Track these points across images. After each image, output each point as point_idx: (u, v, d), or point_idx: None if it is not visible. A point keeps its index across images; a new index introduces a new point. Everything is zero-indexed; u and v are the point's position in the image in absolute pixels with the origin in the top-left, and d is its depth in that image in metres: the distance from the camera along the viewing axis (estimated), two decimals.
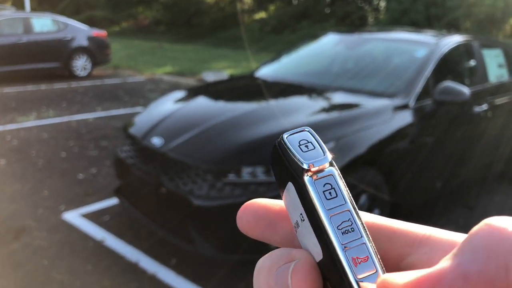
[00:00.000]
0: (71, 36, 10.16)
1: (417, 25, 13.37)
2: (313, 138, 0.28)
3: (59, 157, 4.85)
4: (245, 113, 3.12)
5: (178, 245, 2.79)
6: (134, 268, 2.82)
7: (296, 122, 2.83)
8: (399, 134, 3.07)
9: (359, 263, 0.26)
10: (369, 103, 3.18)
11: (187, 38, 19.88)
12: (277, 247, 0.29)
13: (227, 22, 20.47)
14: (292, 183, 0.28)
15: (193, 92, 3.92)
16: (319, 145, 0.28)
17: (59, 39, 10.04)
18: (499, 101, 3.94)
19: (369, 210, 2.92)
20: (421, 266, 0.24)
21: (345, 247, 0.26)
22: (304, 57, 4.37)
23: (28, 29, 9.74)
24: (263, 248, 2.71)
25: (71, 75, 10.15)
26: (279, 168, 0.29)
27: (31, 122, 6.25)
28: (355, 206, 0.27)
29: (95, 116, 6.75)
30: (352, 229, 0.26)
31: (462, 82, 3.66)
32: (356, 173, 2.76)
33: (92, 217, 3.47)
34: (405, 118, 3.12)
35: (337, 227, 0.26)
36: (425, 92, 3.25)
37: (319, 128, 2.82)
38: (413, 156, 3.14)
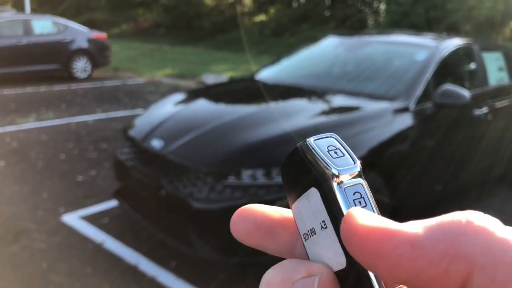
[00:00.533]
0: (71, 38, 10.17)
1: (417, 28, 13.39)
2: (341, 145, 0.28)
3: (59, 159, 4.85)
4: (245, 116, 3.12)
5: (178, 248, 2.79)
6: (133, 271, 2.81)
7: (296, 124, 2.83)
8: (399, 137, 3.07)
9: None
10: (369, 106, 3.17)
11: (187, 41, 19.90)
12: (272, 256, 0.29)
13: (227, 25, 20.50)
14: (317, 188, 0.27)
15: (193, 95, 3.91)
16: (348, 152, 0.27)
17: (59, 41, 10.05)
18: (499, 104, 3.94)
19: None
20: None
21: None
22: (304, 60, 4.37)
23: (28, 31, 9.75)
24: (262, 251, 2.71)
25: (71, 77, 10.15)
26: (298, 172, 0.28)
27: (30, 124, 6.24)
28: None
29: (95, 118, 6.75)
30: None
31: (462, 85, 3.66)
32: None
33: (91, 219, 3.46)
34: (405, 121, 3.12)
35: None
36: (425, 95, 3.25)
37: (319, 130, 2.81)
38: (413, 159, 3.14)
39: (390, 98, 3.22)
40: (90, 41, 10.40)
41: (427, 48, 3.70)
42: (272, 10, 21.95)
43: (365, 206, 0.26)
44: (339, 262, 0.26)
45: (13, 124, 6.19)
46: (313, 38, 4.79)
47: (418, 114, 3.19)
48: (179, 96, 3.78)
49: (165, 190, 2.72)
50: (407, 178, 3.10)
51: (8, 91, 8.63)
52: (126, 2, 23.87)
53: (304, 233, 0.28)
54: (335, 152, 0.27)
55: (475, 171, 3.91)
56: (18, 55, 9.44)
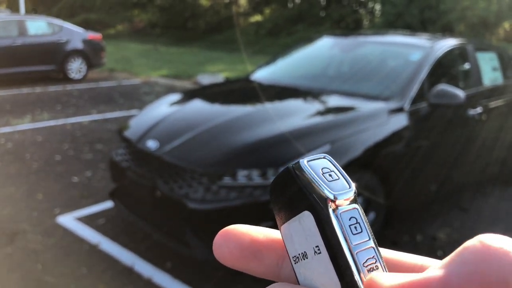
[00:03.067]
0: (66, 38, 10.13)
1: (411, 28, 13.44)
2: (335, 167, 0.27)
3: (54, 160, 4.83)
4: (241, 116, 3.12)
5: (174, 248, 2.79)
6: (129, 272, 2.81)
7: (291, 125, 2.84)
8: (394, 137, 3.09)
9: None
10: (364, 106, 3.19)
11: (183, 41, 19.88)
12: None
13: (223, 25, 20.50)
14: (311, 212, 0.26)
15: (188, 95, 3.91)
16: (342, 175, 0.27)
17: (54, 41, 10.01)
18: (493, 104, 3.96)
19: (364, 213, 2.92)
20: None
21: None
22: (299, 60, 4.38)
23: (22, 31, 9.71)
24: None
25: (66, 78, 10.12)
26: (290, 194, 0.27)
27: (25, 125, 6.22)
28: (376, 242, 0.26)
29: (90, 119, 6.73)
30: (377, 267, 0.25)
31: (456, 85, 3.69)
32: (351, 176, 2.75)
33: (87, 220, 3.45)
34: (400, 121, 3.14)
35: (363, 264, 0.25)
36: (420, 95, 3.26)
37: (314, 131, 2.83)
38: (408, 159, 3.15)
39: (385, 98, 3.24)
40: (85, 41, 10.37)
41: (421, 48, 3.71)
42: (267, 11, 21.97)
43: (361, 231, 0.25)
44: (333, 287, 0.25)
45: (8, 125, 6.16)
46: (308, 39, 4.80)
47: (413, 114, 3.21)
48: (175, 97, 3.78)
49: (160, 190, 2.72)
50: (402, 178, 3.11)
51: (3, 92, 8.59)
52: (121, 3, 23.81)
53: (294, 256, 0.27)
54: (330, 175, 0.26)
55: (470, 171, 3.93)
56: (13, 56, 9.40)
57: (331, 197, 0.25)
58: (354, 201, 0.26)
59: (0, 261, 2.90)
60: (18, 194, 3.91)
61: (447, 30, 13.28)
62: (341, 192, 0.26)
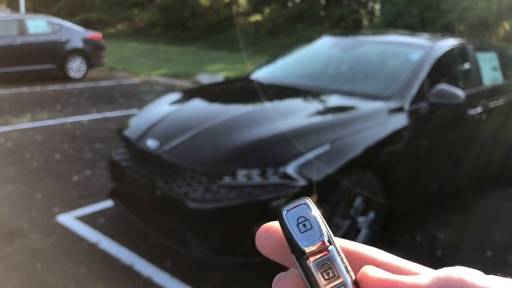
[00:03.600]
0: (66, 38, 10.12)
1: (411, 28, 13.44)
2: (310, 214, 0.29)
3: (54, 159, 4.83)
4: (241, 116, 3.12)
5: (173, 248, 2.78)
6: (128, 271, 2.81)
7: (291, 124, 2.83)
8: (394, 136, 3.08)
9: None
10: (364, 106, 3.18)
11: (183, 41, 19.87)
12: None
13: (223, 25, 20.49)
14: (294, 257, 0.29)
15: (188, 95, 3.91)
16: (317, 222, 0.29)
17: (54, 40, 10.00)
18: (493, 104, 3.96)
19: (364, 212, 2.92)
20: None
21: None
22: (299, 60, 4.38)
23: (22, 30, 9.70)
24: (258, 251, 2.72)
25: (65, 77, 10.11)
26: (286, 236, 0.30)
27: (25, 124, 6.21)
28: (353, 277, 0.29)
29: (90, 118, 6.72)
30: None
31: (456, 85, 3.68)
32: (351, 175, 2.76)
33: (86, 219, 3.45)
34: (400, 120, 3.13)
35: None
36: (420, 95, 3.26)
37: (314, 130, 2.82)
38: (408, 159, 3.15)
39: (385, 98, 3.23)
40: (85, 41, 10.36)
41: (421, 48, 3.71)
42: (267, 10, 21.96)
43: (334, 275, 0.28)
44: None
45: (7, 125, 6.16)
46: (308, 38, 4.80)
47: (413, 114, 3.20)
48: (174, 96, 3.77)
49: (160, 190, 2.72)
50: (402, 178, 3.11)
51: (2, 91, 8.58)
52: (121, 2, 23.79)
53: None
54: (304, 225, 0.29)
55: (470, 171, 3.93)
56: (13, 55, 9.39)
57: (303, 249, 0.28)
58: (326, 246, 0.28)
59: (0, 260, 2.89)
60: (18, 193, 3.91)
61: (447, 30, 13.28)
62: (311, 243, 0.28)
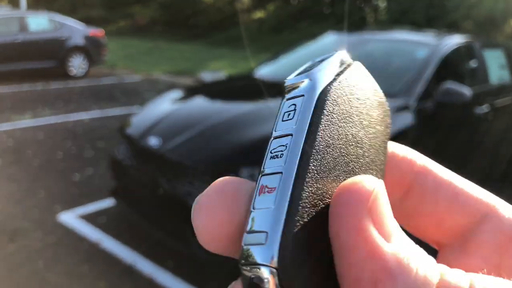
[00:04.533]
0: (68, 35, 10.10)
1: (417, 25, 13.37)
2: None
3: (55, 157, 4.80)
4: (244, 113, 3.08)
5: (175, 247, 2.75)
6: (130, 270, 2.78)
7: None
8: (400, 135, 3.04)
9: (263, 192, 0.21)
10: None
11: (185, 38, 19.84)
12: None
13: (225, 22, 20.44)
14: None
15: (190, 92, 3.87)
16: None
17: (55, 38, 9.97)
18: (500, 102, 3.92)
19: None
20: (486, 248, 0.22)
21: (263, 171, 0.22)
22: (303, 57, 4.33)
23: (23, 28, 9.68)
24: None
25: (67, 75, 10.08)
26: None
27: (27, 122, 6.19)
28: (315, 135, 0.21)
29: (92, 116, 6.70)
30: (281, 155, 0.21)
31: (463, 83, 3.64)
32: None
33: (88, 218, 3.42)
34: (406, 119, 3.09)
35: (270, 151, 0.22)
36: (426, 93, 3.22)
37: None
38: None
39: (391, 96, 3.19)
40: (87, 38, 10.33)
41: (428, 45, 3.67)
42: (271, 7, 21.90)
43: (291, 118, 0.22)
44: None
45: (9, 122, 6.13)
46: (313, 35, 4.75)
47: (419, 112, 3.16)
48: (177, 94, 3.74)
49: (162, 188, 2.68)
50: None
51: (4, 89, 8.57)
52: None
53: None
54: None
55: (476, 170, 3.88)
56: (14, 53, 9.37)
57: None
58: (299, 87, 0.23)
59: (2, 259, 2.87)
60: (19, 192, 3.88)
61: (453, 28, 13.21)
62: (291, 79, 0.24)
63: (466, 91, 3.16)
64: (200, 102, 3.55)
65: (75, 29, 10.30)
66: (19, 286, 2.63)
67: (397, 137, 3.02)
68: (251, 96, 3.59)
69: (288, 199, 0.20)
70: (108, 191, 3.44)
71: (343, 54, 0.25)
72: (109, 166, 3.42)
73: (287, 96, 0.24)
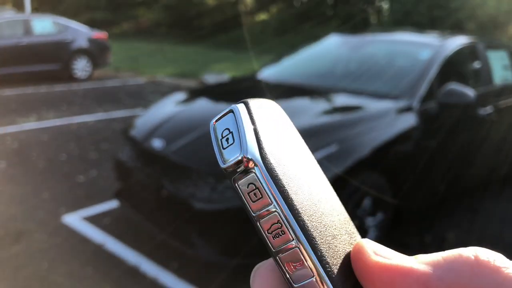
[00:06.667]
0: (72, 38, 10.14)
1: (420, 27, 13.34)
2: (237, 125, 0.25)
3: (60, 159, 4.82)
4: None
5: (180, 248, 2.76)
6: (134, 272, 2.79)
7: (299, 124, 2.79)
8: (403, 136, 3.04)
9: (295, 269, 0.24)
10: (373, 105, 3.14)
11: (188, 40, 19.87)
12: None
13: (228, 24, 20.45)
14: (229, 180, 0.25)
15: (194, 94, 3.88)
16: (240, 136, 0.24)
17: (60, 41, 10.02)
18: (504, 103, 3.90)
19: (373, 213, 2.88)
20: None
21: (279, 252, 0.24)
22: (306, 59, 4.34)
23: (28, 31, 9.73)
24: (265, 252, 2.67)
25: (71, 77, 10.13)
26: None
27: (31, 124, 6.22)
28: (285, 203, 0.24)
29: (96, 119, 6.72)
30: (283, 232, 0.24)
31: (466, 84, 3.63)
32: (359, 176, 2.72)
33: (92, 220, 3.44)
34: (409, 120, 3.09)
35: (267, 230, 0.24)
36: (429, 94, 3.21)
37: (321, 130, 2.79)
38: (417, 158, 3.10)
39: (394, 97, 3.19)
40: (91, 41, 10.37)
41: (431, 46, 3.66)
42: (274, 9, 21.91)
43: (261, 197, 0.24)
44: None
45: (14, 125, 6.17)
46: (316, 37, 4.76)
47: (422, 114, 3.16)
48: (180, 96, 3.75)
49: (166, 190, 2.69)
50: (410, 178, 3.06)
51: (8, 92, 8.61)
52: (127, 2, 23.84)
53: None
54: (227, 140, 0.25)
55: (480, 171, 3.87)
56: (19, 55, 9.42)
57: (223, 167, 0.24)
58: (252, 164, 0.24)
59: (6, 260, 2.88)
60: (24, 194, 3.90)
61: (456, 29, 13.17)
62: (230, 161, 0.24)
63: (470, 92, 3.16)
64: (203, 104, 3.56)
65: (79, 32, 10.34)
66: (23, 286, 2.64)
67: (400, 138, 3.02)
68: (255, 97, 3.59)
69: (319, 265, 0.24)
70: (112, 192, 3.45)
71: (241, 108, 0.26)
72: (113, 168, 3.44)
73: (235, 177, 0.25)
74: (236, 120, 0.25)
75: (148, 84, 10.23)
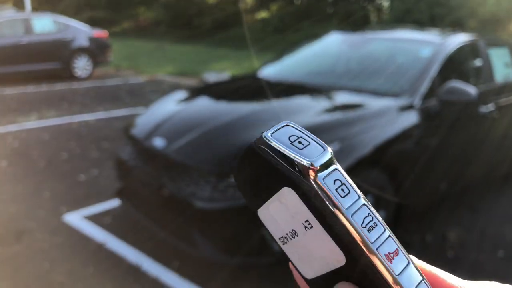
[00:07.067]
0: (72, 36, 10.13)
1: (420, 24, 13.31)
2: (302, 133, 0.25)
3: (60, 158, 4.82)
4: (248, 114, 3.08)
5: (181, 247, 2.76)
6: (136, 271, 2.79)
7: (300, 122, 2.77)
8: (404, 134, 3.03)
9: (393, 258, 0.24)
10: (374, 103, 3.13)
11: (188, 39, 19.85)
12: None
13: (229, 22, 20.43)
14: (291, 187, 0.24)
15: (195, 93, 3.88)
16: (313, 139, 0.25)
17: (60, 39, 10.01)
18: (505, 101, 3.89)
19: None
20: None
21: (376, 244, 0.24)
22: (307, 57, 4.33)
23: (28, 30, 9.72)
24: (266, 251, 2.66)
25: (72, 76, 10.12)
26: (260, 173, 0.25)
27: (32, 123, 6.22)
28: (366, 198, 0.25)
29: (96, 117, 6.72)
30: (375, 224, 0.24)
31: (468, 81, 3.62)
32: (361, 173, 2.72)
33: (93, 219, 3.44)
34: (410, 118, 3.08)
35: (361, 225, 0.24)
36: (431, 92, 3.20)
37: (323, 128, 2.78)
38: (418, 156, 3.10)
39: (395, 95, 3.18)
40: (91, 39, 10.36)
41: (432, 44, 3.65)
42: (274, 7, 21.88)
43: (349, 192, 0.24)
44: (337, 259, 0.24)
45: (14, 124, 6.17)
46: (316, 35, 4.75)
47: (423, 111, 3.15)
48: (181, 94, 3.74)
49: (167, 189, 2.69)
50: (411, 176, 3.06)
51: (9, 91, 8.61)
52: (127, 0, 23.82)
53: (282, 237, 0.26)
54: (300, 142, 0.25)
55: (481, 170, 3.87)
56: (19, 54, 9.41)
57: (308, 164, 0.23)
58: (332, 162, 0.24)
59: (8, 260, 2.88)
60: (25, 193, 3.90)
61: (457, 26, 13.14)
62: (317, 157, 0.24)
63: (471, 90, 3.15)
64: (204, 103, 3.55)
65: (80, 31, 10.33)
66: (25, 285, 2.64)
67: (401, 136, 3.01)
68: (255, 96, 3.59)
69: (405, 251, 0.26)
70: (113, 191, 3.45)
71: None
72: (114, 166, 3.43)
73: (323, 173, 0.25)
74: (297, 129, 0.26)
75: (149, 83, 10.22)
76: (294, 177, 0.24)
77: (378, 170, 2.85)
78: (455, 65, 3.77)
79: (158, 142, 2.83)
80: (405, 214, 3.26)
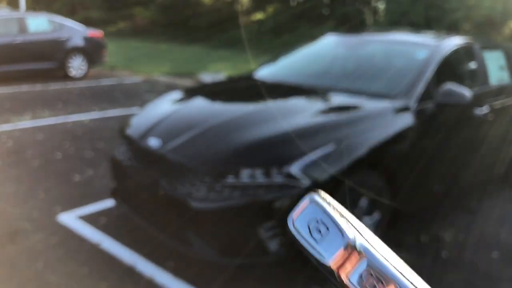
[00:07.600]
0: (67, 36, 10.09)
1: (416, 27, 13.37)
2: (323, 211, 0.23)
3: (55, 158, 4.80)
4: (244, 115, 3.08)
5: (176, 248, 2.75)
6: (131, 272, 2.78)
7: (295, 124, 2.80)
8: (400, 136, 3.04)
9: None
10: (370, 105, 3.14)
11: (184, 39, 19.82)
12: None
13: (225, 24, 20.41)
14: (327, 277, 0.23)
15: (191, 93, 3.87)
16: (332, 220, 0.23)
17: (55, 39, 9.96)
18: (500, 103, 3.92)
19: (370, 213, 2.89)
20: None
21: None
22: (303, 59, 4.34)
23: (23, 29, 9.66)
24: (263, 251, 2.66)
25: (66, 76, 10.07)
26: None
27: (26, 123, 6.18)
28: (404, 265, 0.23)
29: (91, 117, 6.69)
30: None
31: (463, 84, 3.64)
32: (357, 175, 2.72)
33: (88, 219, 3.42)
34: (406, 120, 3.09)
35: None
36: (426, 94, 3.22)
37: (318, 130, 2.79)
38: (414, 159, 3.11)
39: (391, 97, 3.20)
40: (86, 39, 10.32)
41: (427, 47, 3.67)
42: (270, 9, 21.90)
43: (385, 281, 0.22)
44: None
45: (8, 123, 6.13)
46: (312, 37, 4.76)
47: (419, 114, 3.16)
48: (177, 95, 3.74)
49: (163, 189, 2.68)
50: (407, 178, 3.07)
51: (3, 90, 8.56)
52: (123, 0, 23.75)
53: None
54: (319, 230, 0.23)
55: (477, 172, 3.89)
56: (13, 54, 9.35)
57: (328, 263, 0.22)
58: (354, 248, 0.22)
59: (1, 260, 2.86)
60: (19, 193, 3.88)
61: (452, 29, 13.20)
62: (333, 253, 0.22)
63: (466, 92, 3.17)
64: (200, 103, 3.55)
65: (75, 30, 10.28)
66: (19, 286, 2.63)
67: (397, 138, 3.02)
68: (251, 97, 3.59)
69: None
70: (108, 192, 3.44)
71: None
72: (109, 167, 3.42)
73: None
74: (319, 206, 0.24)
75: (144, 83, 10.20)
76: (325, 273, 0.23)
77: (374, 171, 2.86)
78: (450, 67, 3.79)
79: (154, 142, 2.82)
80: (401, 216, 3.27)
